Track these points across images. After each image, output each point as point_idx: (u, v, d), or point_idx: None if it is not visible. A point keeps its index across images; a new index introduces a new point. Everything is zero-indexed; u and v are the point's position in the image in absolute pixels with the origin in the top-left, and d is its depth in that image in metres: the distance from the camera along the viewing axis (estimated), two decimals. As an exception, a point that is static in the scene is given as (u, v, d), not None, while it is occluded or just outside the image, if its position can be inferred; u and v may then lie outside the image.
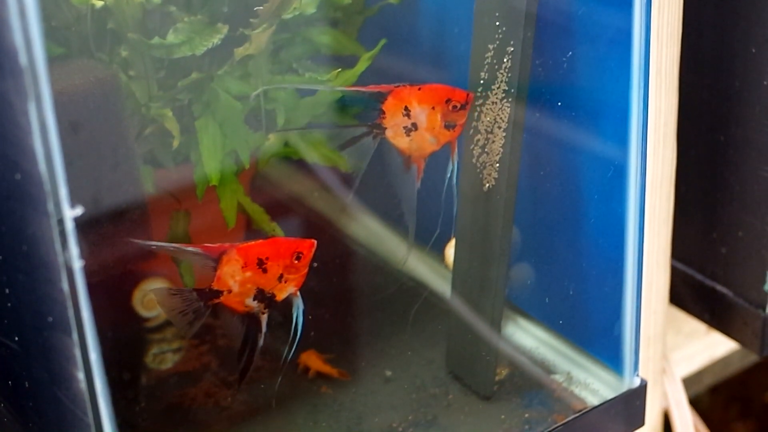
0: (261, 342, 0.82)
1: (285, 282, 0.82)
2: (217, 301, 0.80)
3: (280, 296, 0.82)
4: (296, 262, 0.81)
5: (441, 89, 0.84)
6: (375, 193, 1.05)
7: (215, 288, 0.80)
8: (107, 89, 0.80)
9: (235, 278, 0.80)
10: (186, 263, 0.90)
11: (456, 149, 0.86)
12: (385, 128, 0.84)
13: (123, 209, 0.83)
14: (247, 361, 0.83)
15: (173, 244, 0.84)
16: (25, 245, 0.64)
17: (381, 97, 0.84)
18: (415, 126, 0.84)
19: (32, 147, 0.58)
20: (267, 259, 0.80)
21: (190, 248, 0.80)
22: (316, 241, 0.82)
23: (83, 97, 0.78)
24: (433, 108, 0.84)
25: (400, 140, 0.85)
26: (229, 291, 0.80)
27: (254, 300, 0.81)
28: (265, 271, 0.80)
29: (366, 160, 0.85)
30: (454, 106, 0.83)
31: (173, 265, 0.92)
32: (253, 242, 0.80)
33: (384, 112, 0.84)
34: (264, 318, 0.82)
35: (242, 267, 0.80)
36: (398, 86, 0.84)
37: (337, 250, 1.05)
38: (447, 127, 0.84)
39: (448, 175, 0.86)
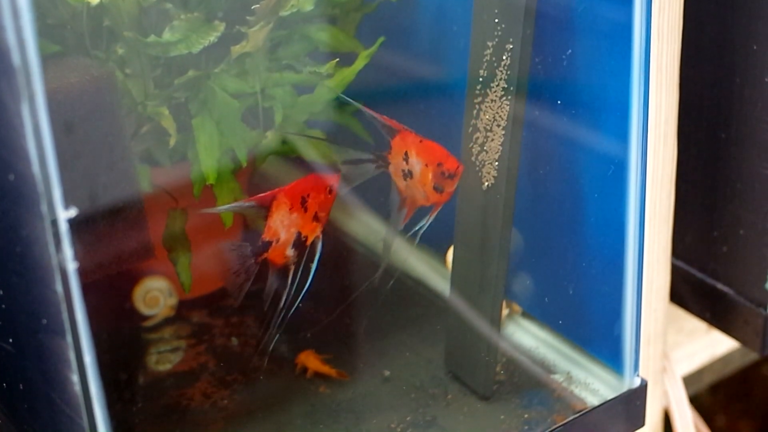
0: (285, 299, 0.83)
1: (317, 221, 0.82)
2: (265, 255, 0.81)
3: (310, 239, 0.82)
4: (329, 195, 0.83)
5: (437, 151, 0.84)
6: (376, 193, 1.05)
7: (266, 239, 0.80)
8: (103, 87, 0.79)
9: (283, 223, 0.80)
10: (183, 263, 0.90)
11: (437, 212, 0.87)
12: (389, 163, 0.86)
13: (119, 208, 0.82)
14: (272, 320, 0.83)
15: (232, 204, 0.85)
16: (19, 247, 0.63)
17: (392, 133, 0.85)
18: (410, 173, 0.85)
19: (25, 148, 0.57)
20: (308, 196, 0.81)
21: (246, 203, 0.81)
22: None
23: (79, 95, 0.78)
24: (426, 165, 0.84)
25: (399, 180, 0.86)
26: (277, 240, 0.80)
27: (292, 248, 0.81)
28: (306, 210, 0.81)
29: (357, 182, 0.87)
30: (443, 173, 0.84)
31: (170, 264, 0.91)
32: (294, 182, 0.81)
33: (392, 148, 0.85)
34: (292, 270, 0.82)
35: (289, 209, 0.80)
36: (406, 129, 0.84)
37: (336, 248, 1.05)
38: (435, 188, 0.85)
39: (416, 229, 0.88)
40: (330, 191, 0.83)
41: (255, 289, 0.92)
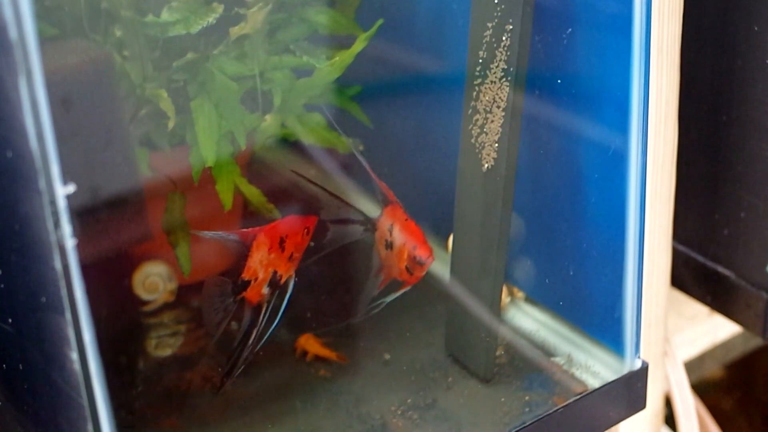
0: (254, 336, 0.84)
1: (291, 261, 0.84)
2: (243, 294, 0.82)
3: (284, 278, 0.84)
4: (306, 236, 0.84)
5: (416, 234, 0.86)
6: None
7: (245, 278, 0.82)
8: (101, 68, 0.79)
9: (262, 263, 0.82)
10: (182, 247, 0.90)
11: (403, 291, 0.88)
12: (377, 229, 0.87)
13: (118, 191, 0.82)
14: (240, 355, 0.84)
15: (216, 233, 0.84)
16: (18, 224, 0.63)
17: (386, 202, 0.87)
18: (391, 246, 0.87)
19: (23, 124, 0.57)
20: (286, 236, 0.83)
21: (230, 236, 0.82)
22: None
23: (77, 76, 0.77)
24: (404, 244, 0.86)
25: (381, 248, 0.88)
26: (256, 279, 0.82)
27: (268, 286, 0.83)
28: (283, 250, 0.83)
29: (340, 243, 0.88)
30: (415, 257, 0.85)
31: (170, 248, 0.91)
32: (273, 223, 0.83)
33: (382, 216, 0.87)
34: (264, 308, 0.84)
35: (269, 249, 0.82)
36: (398, 204, 0.86)
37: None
38: (407, 269, 0.86)
39: (378, 302, 0.89)
40: (306, 233, 0.85)
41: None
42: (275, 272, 0.83)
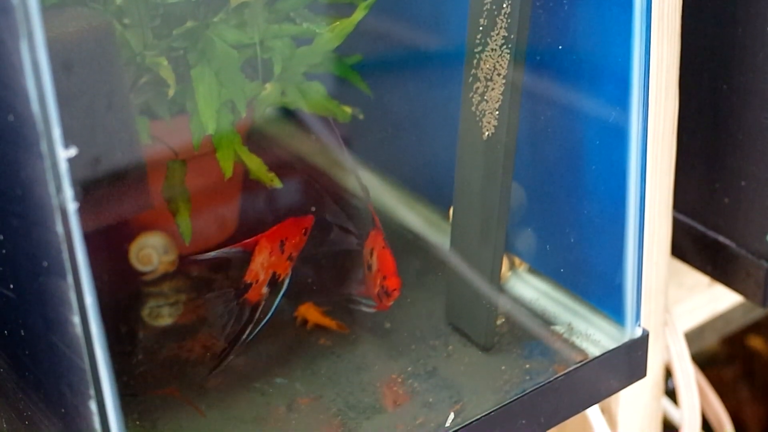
0: (248, 332, 0.86)
1: (290, 261, 0.86)
2: (245, 296, 0.84)
3: (282, 276, 0.86)
4: (303, 237, 0.87)
5: (388, 265, 0.88)
6: (375, 144, 1.05)
7: (247, 281, 0.84)
8: (102, 36, 0.79)
9: (263, 266, 0.84)
10: (182, 214, 0.90)
11: (376, 311, 0.91)
12: (363, 249, 0.89)
13: (118, 158, 0.82)
14: (231, 350, 0.86)
15: (219, 251, 0.86)
16: (19, 189, 0.63)
17: (372, 226, 0.89)
18: (371, 268, 0.88)
19: (24, 87, 0.57)
20: (286, 239, 0.85)
21: (233, 249, 0.85)
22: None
23: (78, 44, 0.77)
24: (378, 272, 0.88)
25: (365, 266, 0.90)
26: (257, 281, 0.84)
27: (267, 286, 0.85)
28: (283, 251, 0.85)
29: (339, 248, 0.91)
30: (383, 286, 0.87)
31: (170, 217, 0.91)
32: (274, 227, 0.85)
33: (368, 238, 0.89)
34: (262, 306, 0.86)
35: (270, 253, 0.84)
36: (380, 230, 0.88)
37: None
38: (378, 294, 0.88)
39: (363, 306, 0.91)
40: (305, 233, 0.87)
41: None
42: (275, 273, 0.86)
